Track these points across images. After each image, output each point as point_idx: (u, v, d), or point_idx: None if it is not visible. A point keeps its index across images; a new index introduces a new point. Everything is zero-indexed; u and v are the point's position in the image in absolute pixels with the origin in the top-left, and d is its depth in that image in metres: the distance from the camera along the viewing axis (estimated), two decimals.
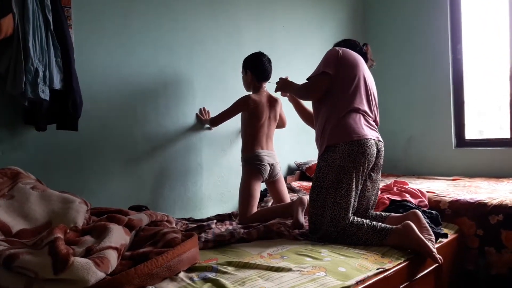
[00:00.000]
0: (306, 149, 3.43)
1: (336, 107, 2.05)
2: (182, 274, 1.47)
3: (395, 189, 2.56)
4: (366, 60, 2.27)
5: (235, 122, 2.78)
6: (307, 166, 3.29)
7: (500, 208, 2.28)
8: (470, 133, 3.66)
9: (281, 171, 2.70)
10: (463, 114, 3.63)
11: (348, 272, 1.54)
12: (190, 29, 2.73)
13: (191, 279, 1.43)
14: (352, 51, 2.15)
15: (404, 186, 2.59)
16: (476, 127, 3.70)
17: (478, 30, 3.64)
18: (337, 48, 2.15)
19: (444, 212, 2.44)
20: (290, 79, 2.46)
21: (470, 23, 3.63)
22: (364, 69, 2.15)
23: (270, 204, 2.76)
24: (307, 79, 2.18)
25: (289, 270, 1.51)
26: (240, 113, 2.65)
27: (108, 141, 2.35)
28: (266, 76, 2.60)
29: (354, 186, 1.98)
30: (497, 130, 3.57)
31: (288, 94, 2.54)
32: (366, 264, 1.65)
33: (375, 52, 3.98)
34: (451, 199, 2.49)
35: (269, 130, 2.63)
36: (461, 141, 3.64)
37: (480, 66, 3.63)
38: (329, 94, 2.08)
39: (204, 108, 2.81)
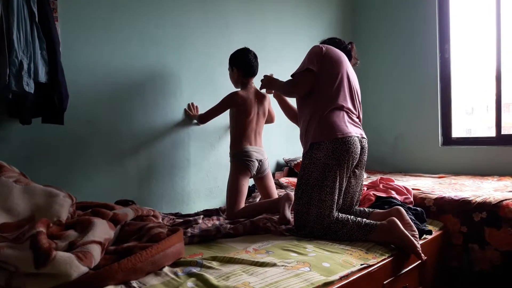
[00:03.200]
0: (295, 146, 3.43)
1: (319, 104, 2.05)
2: (166, 269, 1.47)
3: (381, 185, 2.59)
4: (350, 58, 2.28)
5: (224, 117, 2.78)
6: (295, 162, 3.30)
7: (484, 206, 2.31)
8: (459, 132, 3.70)
9: (269, 167, 2.70)
10: (450, 113, 3.67)
11: (332, 267, 1.56)
12: (178, 25, 2.71)
13: (175, 274, 1.43)
14: (335, 49, 2.16)
15: (390, 183, 2.61)
16: (464, 126, 3.75)
17: (466, 30, 3.68)
18: (320, 45, 2.16)
19: (429, 209, 2.46)
20: (279, 75, 2.47)
21: (458, 23, 3.66)
22: (348, 67, 2.15)
23: (258, 200, 2.77)
24: (291, 76, 2.19)
25: (274, 265, 1.52)
26: (229, 109, 2.65)
27: (94, 135, 2.33)
28: (253, 72, 2.60)
29: (338, 183, 1.99)
30: (485, 130, 3.61)
31: (273, 91, 2.54)
32: (350, 260, 1.66)
33: (363, 50, 4.02)
34: (436, 196, 2.52)
35: (258, 126, 2.64)
36: (448, 140, 3.68)
37: (468, 66, 3.67)
38: (312, 91, 2.09)
39: (192, 103, 2.80)
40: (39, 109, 1.95)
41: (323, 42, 2.33)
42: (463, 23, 3.68)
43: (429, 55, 3.68)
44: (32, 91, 1.84)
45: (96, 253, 1.35)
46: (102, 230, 1.46)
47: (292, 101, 2.53)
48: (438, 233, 2.28)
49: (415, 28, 3.76)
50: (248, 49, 2.62)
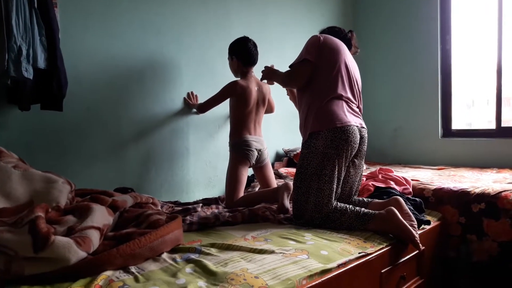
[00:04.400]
0: (295, 136, 3.42)
1: (318, 94, 2.04)
2: (165, 255, 1.47)
3: (380, 176, 2.59)
4: (350, 47, 2.26)
5: (224, 107, 2.77)
6: (295, 152, 3.30)
7: (483, 197, 2.32)
8: (459, 125, 3.69)
9: (268, 157, 2.70)
10: (450, 105, 3.66)
11: (330, 255, 1.56)
12: (179, 13, 2.69)
13: (174, 260, 1.44)
14: (334, 38, 2.14)
15: (389, 174, 2.61)
16: (465, 120, 3.74)
17: (467, 22, 3.66)
18: (318, 34, 2.14)
19: (428, 200, 2.47)
20: (280, 65, 2.45)
21: (460, 14, 3.64)
22: (347, 55, 2.13)
23: (257, 189, 2.77)
24: (290, 67, 2.17)
25: (272, 252, 1.52)
26: (228, 99, 2.64)
27: (93, 123, 2.32)
28: (252, 61, 2.58)
29: (337, 172, 1.99)
30: (485, 123, 3.60)
31: (274, 82, 2.53)
32: (348, 248, 1.67)
33: (364, 41, 4.00)
34: (435, 187, 2.53)
35: (257, 116, 2.63)
36: (448, 132, 3.67)
37: (469, 58, 3.66)
38: (311, 81, 2.07)
39: (192, 92, 2.79)
40: (38, 95, 1.94)
41: (323, 31, 2.32)
42: (465, 14, 3.66)
43: (430, 46, 3.66)
44: (31, 77, 1.83)
45: (95, 238, 1.35)
46: (101, 216, 1.47)
47: None
48: (436, 223, 2.29)
49: (416, 18, 3.74)
50: (248, 38, 2.60)
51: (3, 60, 1.73)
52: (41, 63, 1.87)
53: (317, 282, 1.39)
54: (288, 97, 2.58)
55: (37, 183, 1.58)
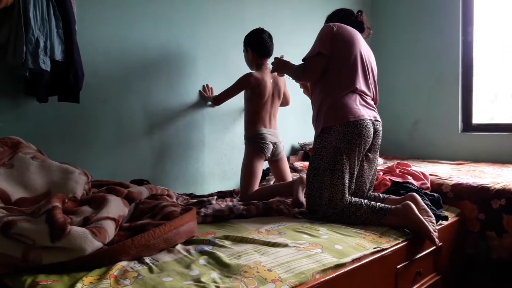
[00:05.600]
0: (310, 130, 3.34)
1: (332, 87, 2.00)
2: (179, 247, 1.48)
3: (397, 170, 2.55)
4: (362, 30, 2.17)
5: (239, 99, 2.76)
6: (310, 146, 3.27)
7: (503, 193, 2.26)
8: (480, 120, 3.59)
9: (284, 150, 2.69)
10: (471, 98, 3.57)
11: (345, 250, 1.54)
12: (192, 4, 2.68)
13: (188, 251, 1.44)
14: (347, 26, 2.06)
15: (407, 168, 2.57)
16: (487, 114, 3.63)
17: (490, 13, 3.54)
18: (331, 24, 2.04)
19: (446, 195, 2.42)
20: (295, 56, 2.41)
21: (482, 4, 3.53)
22: (361, 45, 2.07)
23: (271, 183, 2.76)
24: (303, 60, 2.11)
25: (286, 246, 1.51)
26: (243, 91, 2.63)
27: (109, 115, 2.34)
28: (267, 52, 2.56)
29: (350, 167, 1.95)
30: (508, 119, 3.49)
31: (285, 74, 2.48)
32: (363, 243, 1.65)
33: (382, 31, 3.93)
34: (453, 182, 2.47)
35: (273, 108, 2.61)
36: (468, 126, 3.59)
37: (493, 51, 3.54)
38: (325, 74, 2.03)
39: (207, 85, 2.79)
40: (55, 87, 1.96)
41: (331, 16, 2.24)
42: (488, 4, 3.54)
43: (451, 37, 3.57)
44: (49, 69, 1.85)
45: (110, 229, 1.37)
46: (116, 207, 1.48)
47: None
48: (454, 219, 2.24)
49: (437, 8, 3.65)
50: (263, 29, 2.58)
51: (21, 52, 1.75)
52: (58, 55, 1.89)
53: (330, 276, 1.37)
54: (302, 90, 2.53)
55: (55, 174, 1.60)
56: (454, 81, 3.58)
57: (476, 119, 3.58)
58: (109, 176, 2.17)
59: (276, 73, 2.42)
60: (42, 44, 1.80)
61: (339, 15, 2.20)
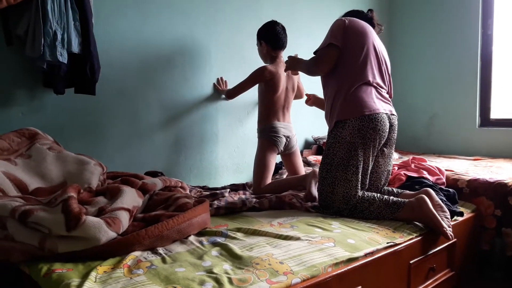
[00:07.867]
0: (324, 123, 3.35)
1: (345, 80, 1.97)
2: (192, 238, 1.50)
3: (412, 165, 2.52)
4: (373, 26, 2.15)
5: (253, 93, 2.76)
6: (324, 140, 3.25)
7: None
8: (499, 114, 3.51)
9: (297, 144, 2.68)
10: (490, 93, 3.49)
11: (357, 244, 1.54)
12: None
13: (200, 242, 1.46)
14: (359, 20, 2.04)
15: (422, 163, 2.54)
16: (506, 109, 3.53)
17: (511, 6, 3.45)
18: (343, 18, 2.04)
19: (462, 191, 2.39)
20: (310, 50, 2.38)
21: None
22: (374, 37, 2.04)
23: (284, 176, 2.76)
24: (314, 53, 2.09)
25: (298, 239, 1.51)
26: (257, 84, 2.62)
27: (125, 107, 2.36)
28: (281, 45, 2.54)
29: (364, 162, 1.93)
30: None
31: (299, 72, 2.46)
32: (376, 238, 1.64)
33: (400, 24, 3.87)
34: (470, 178, 2.44)
35: (286, 102, 2.60)
36: (486, 121, 3.52)
37: None
38: (337, 67, 2.00)
39: (221, 78, 2.79)
40: (72, 79, 1.99)
41: (344, 15, 2.22)
42: None
43: (470, 30, 3.49)
44: (66, 61, 1.88)
45: (124, 219, 1.39)
46: (131, 198, 1.50)
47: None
48: (470, 215, 2.21)
49: (456, 0, 3.57)
50: (276, 21, 2.56)
51: (39, 45, 1.79)
52: (75, 48, 1.91)
53: (342, 270, 1.37)
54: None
55: (70, 165, 1.63)
56: (473, 75, 3.50)
57: (494, 114, 3.51)
58: (124, 168, 2.20)
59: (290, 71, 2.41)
60: (59, 37, 1.83)
61: (350, 14, 2.19)
